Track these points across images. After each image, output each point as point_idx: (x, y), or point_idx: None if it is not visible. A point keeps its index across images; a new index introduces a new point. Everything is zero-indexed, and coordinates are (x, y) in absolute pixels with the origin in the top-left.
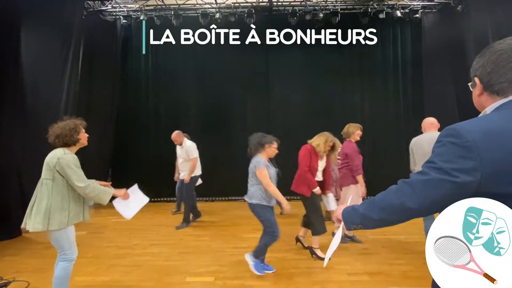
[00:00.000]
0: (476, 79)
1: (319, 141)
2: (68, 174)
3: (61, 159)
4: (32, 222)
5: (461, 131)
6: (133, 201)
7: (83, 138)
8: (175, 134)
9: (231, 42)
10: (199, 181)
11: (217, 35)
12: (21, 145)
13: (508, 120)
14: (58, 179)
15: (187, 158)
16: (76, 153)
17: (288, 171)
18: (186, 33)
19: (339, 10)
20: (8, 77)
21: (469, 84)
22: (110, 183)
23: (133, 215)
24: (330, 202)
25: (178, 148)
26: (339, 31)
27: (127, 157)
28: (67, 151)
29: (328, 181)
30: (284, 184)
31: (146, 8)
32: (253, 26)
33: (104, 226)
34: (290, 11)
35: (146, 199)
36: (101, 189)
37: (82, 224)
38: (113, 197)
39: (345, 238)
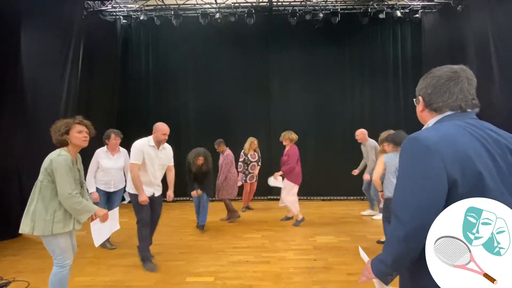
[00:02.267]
0: (420, 98)
1: None
2: (56, 178)
3: (53, 161)
4: (21, 223)
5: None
6: (108, 225)
7: (74, 138)
8: (166, 128)
9: (231, 42)
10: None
11: (217, 35)
12: (21, 145)
13: (451, 127)
14: (48, 182)
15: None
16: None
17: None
18: (186, 33)
19: (339, 10)
20: (8, 77)
21: (414, 100)
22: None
23: (100, 243)
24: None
25: (154, 150)
26: (339, 31)
27: None
28: (64, 152)
29: None
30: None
31: (146, 8)
32: (253, 26)
33: None
34: (290, 11)
35: (117, 227)
36: (84, 205)
37: (82, 224)
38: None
39: None
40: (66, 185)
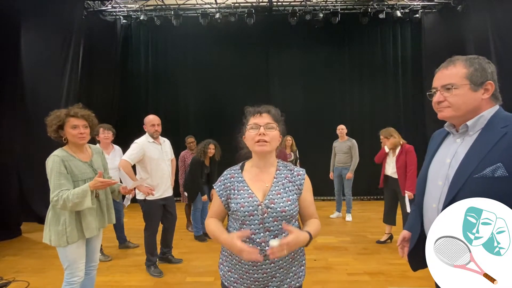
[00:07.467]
0: (491, 83)
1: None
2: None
3: (46, 163)
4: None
5: None
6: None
7: (69, 135)
8: (153, 117)
9: (231, 42)
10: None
11: (217, 35)
12: (21, 145)
13: None
14: None
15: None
16: None
17: None
18: (186, 33)
19: (339, 10)
20: (8, 76)
21: (467, 84)
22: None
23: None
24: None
25: (156, 146)
26: (339, 31)
27: None
28: (59, 151)
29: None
30: None
31: (146, 8)
32: (253, 26)
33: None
34: (290, 11)
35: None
36: (74, 194)
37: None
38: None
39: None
40: (52, 190)
